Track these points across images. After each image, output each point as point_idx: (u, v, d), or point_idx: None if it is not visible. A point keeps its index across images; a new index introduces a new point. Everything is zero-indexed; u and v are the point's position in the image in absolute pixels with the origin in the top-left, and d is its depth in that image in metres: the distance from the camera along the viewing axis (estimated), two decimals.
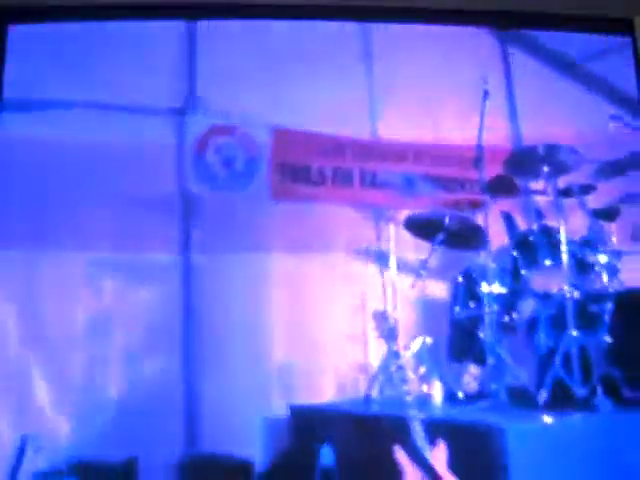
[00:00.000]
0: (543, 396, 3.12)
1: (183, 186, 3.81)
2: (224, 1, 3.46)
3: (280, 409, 3.48)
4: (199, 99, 3.88)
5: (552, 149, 3.67)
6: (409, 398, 2.70)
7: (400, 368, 2.79)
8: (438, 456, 2.65)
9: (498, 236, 3.78)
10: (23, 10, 3.00)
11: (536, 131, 4.19)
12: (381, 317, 2.88)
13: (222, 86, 3.73)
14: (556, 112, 4.18)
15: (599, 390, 3.12)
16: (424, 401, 3.05)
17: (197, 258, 3.75)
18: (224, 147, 3.91)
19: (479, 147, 3.64)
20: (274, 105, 3.83)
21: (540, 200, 3.89)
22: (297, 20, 3.67)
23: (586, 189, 3.77)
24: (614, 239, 3.70)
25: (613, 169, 3.81)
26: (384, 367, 3.33)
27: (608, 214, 3.76)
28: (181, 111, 3.85)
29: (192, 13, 3.45)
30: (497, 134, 4.12)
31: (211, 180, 3.87)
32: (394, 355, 2.81)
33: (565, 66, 4.21)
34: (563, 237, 3.46)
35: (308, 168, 3.99)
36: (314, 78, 3.82)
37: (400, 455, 2.60)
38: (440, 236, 3.57)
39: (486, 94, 3.65)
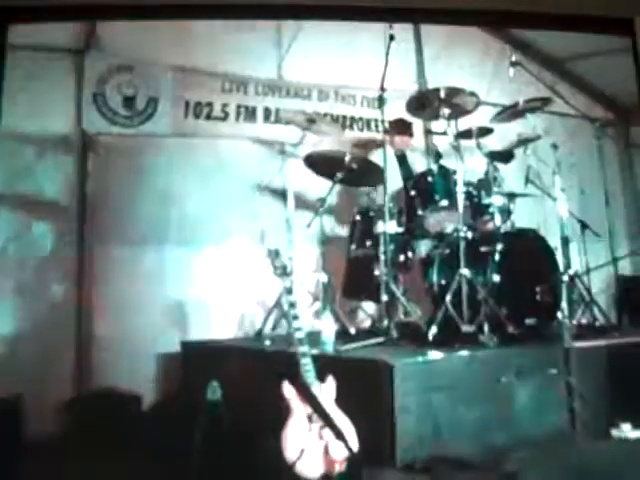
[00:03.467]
0: (433, 332, 3.21)
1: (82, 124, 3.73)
2: None
3: (172, 345, 3.49)
4: (99, 39, 3.76)
5: (452, 92, 3.71)
6: (300, 334, 2.71)
7: (293, 304, 2.78)
8: (326, 391, 2.71)
9: (398, 176, 3.83)
10: (23, 10, 2.94)
11: (440, 75, 4.25)
12: (275, 254, 2.86)
13: (122, 27, 3.61)
14: (460, 57, 4.26)
15: (485, 326, 3.22)
16: (316, 337, 3.09)
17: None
18: (124, 85, 3.81)
19: (382, 88, 3.64)
20: (176, 45, 3.75)
21: (439, 141, 3.95)
22: None
23: (484, 132, 3.83)
24: (510, 180, 3.80)
25: (512, 113, 3.89)
26: (277, 304, 3.36)
27: (504, 157, 3.84)
28: (81, 51, 3.73)
29: None
30: (402, 77, 4.15)
31: (111, 118, 3.78)
32: (288, 292, 2.81)
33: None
34: (460, 179, 3.53)
35: (211, 104, 3.94)
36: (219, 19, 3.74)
37: (288, 390, 2.64)
38: (339, 174, 3.55)
39: (391, 38, 3.64)
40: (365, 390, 2.83)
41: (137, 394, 3.38)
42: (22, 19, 2.97)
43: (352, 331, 3.40)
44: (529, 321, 3.35)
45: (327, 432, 2.56)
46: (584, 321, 3.64)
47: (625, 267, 4.08)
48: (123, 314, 3.47)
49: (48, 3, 2.95)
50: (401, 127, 3.99)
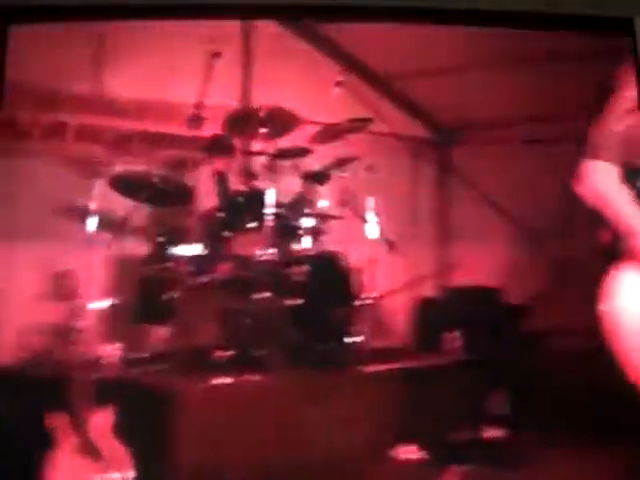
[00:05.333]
0: (225, 356, 3.19)
1: None
2: None
3: None
4: None
5: (272, 111, 3.72)
6: (85, 357, 2.66)
7: (80, 328, 2.72)
8: (103, 419, 2.65)
9: (209, 196, 3.80)
10: (23, 10, 2.86)
11: (265, 93, 4.24)
12: (62, 276, 2.80)
13: None
14: (285, 76, 4.26)
15: (279, 351, 3.23)
16: (101, 362, 3.03)
17: None
18: None
19: (199, 106, 3.61)
20: None
21: (256, 161, 3.95)
22: None
23: (302, 152, 3.86)
24: (323, 202, 3.83)
25: (332, 133, 3.92)
26: (64, 327, 3.27)
27: (319, 178, 3.87)
28: None
29: None
30: (226, 95, 4.12)
31: None
32: (75, 314, 2.74)
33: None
34: (270, 200, 3.53)
35: (13, 121, 3.77)
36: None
37: (57, 419, 2.58)
38: (145, 194, 3.50)
39: (216, 55, 3.61)
40: (148, 416, 2.80)
41: None
42: (22, 19, 2.90)
43: (141, 356, 3.36)
44: (324, 345, 3.40)
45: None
46: (380, 344, 3.70)
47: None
48: None
49: (49, 3, 2.88)
50: (220, 146, 3.97)
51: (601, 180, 2.11)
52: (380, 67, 4.47)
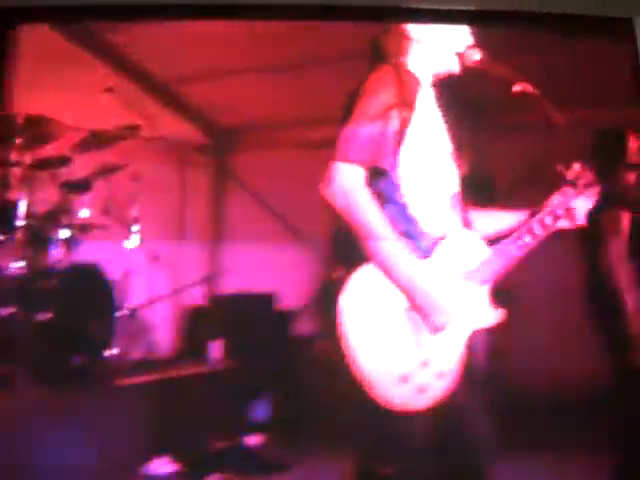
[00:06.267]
0: None
1: None
2: None
3: None
4: None
5: (32, 118, 3.57)
6: None
7: None
8: None
9: None
10: (24, 10, 2.82)
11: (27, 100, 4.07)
12: None
13: None
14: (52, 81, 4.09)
15: (25, 367, 3.10)
16: None
17: None
18: None
19: None
20: None
21: (11, 172, 3.78)
22: None
23: (62, 161, 3.73)
24: (85, 212, 3.72)
25: (99, 141, 3.81)
26: None
27: (80, 187, 3.76)
28: None
29: None
30: None
31: None
32: None
33: None
34: (22, 211, 3.39)
35: None
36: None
37: None
38: None
39: None
40: None
41: None
42: (22, 19, 2.87)
43: None
44: (79, 359, 3.30)
45: None
46: (140, 355, 3.64)
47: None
48: None
49: (49, 3, 2.82)
50: None
51: (346, 182, 2.14)
52: (156, 70, 4.41)
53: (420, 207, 2.21)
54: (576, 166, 2.34)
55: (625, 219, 3.02)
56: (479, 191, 3.33)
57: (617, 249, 3.02)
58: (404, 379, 2.13)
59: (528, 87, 2.30)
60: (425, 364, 2.15)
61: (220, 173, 4.52)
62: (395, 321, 2.14)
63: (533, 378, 3.78)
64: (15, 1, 2.86)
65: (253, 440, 3.35)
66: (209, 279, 4.09)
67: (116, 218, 3.76)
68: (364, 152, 2.14)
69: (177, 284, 3.98)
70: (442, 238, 2.21)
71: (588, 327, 3.02)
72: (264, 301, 3.90)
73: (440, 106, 2.35)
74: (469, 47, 2.33)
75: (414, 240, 2.17)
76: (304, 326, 3.87)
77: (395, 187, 2.18)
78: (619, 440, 2.91)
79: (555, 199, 2.34)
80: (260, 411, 3.46)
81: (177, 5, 2.83)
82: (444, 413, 2.16)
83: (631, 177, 3.13)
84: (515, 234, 2.28)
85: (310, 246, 4.18)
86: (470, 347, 2.22)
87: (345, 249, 2.17)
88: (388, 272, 2.13)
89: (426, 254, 2.18)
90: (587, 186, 2.34)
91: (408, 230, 2.17)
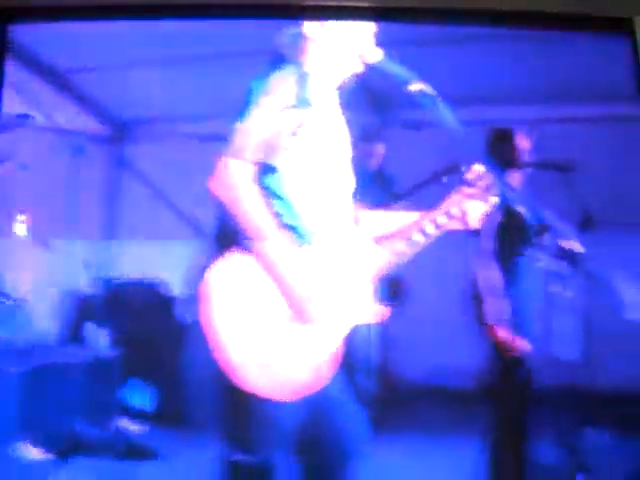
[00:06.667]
0: None
1: None
2: None
3: None
4: None
5: None
6: None
7: None
8: None
9: None
10: (23, 10, 2.79)
11: None
12: None
13: None
14: None
15: None
16: None
17: None
18: None
19: None
20: None
21: None
22: None
23: None
24: None
25: None
26: None
27: None
28: None
29: None
30: None
31: None
32: None
33: None
34: None
35: None
36: None
37: None
38: None
39: None
40: None
41: None
42: (23, 19, 2.83)
43: None
44: None
45: None
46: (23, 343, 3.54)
47: None
48: None
49: (49, 3, 2.79)
50: None
51: (233, 177, 2.14)
52: (53, 61, 4.30)
53: (308, 204, 2.23)
54: (476, 167, 2.38)
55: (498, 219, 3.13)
56: (380, 189, 3.43)
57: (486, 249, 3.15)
58: (271, 368, 2.15)
59: (424, 87, 2.37)
60: (297, 356, 2.18)
61: (115, 164, 4.42)
62: (268, 312, 2.16)
63: (418, 370, 3.92)
64: None
65: (130, 427, 3.33)
66: (96, 267, 4.01)
67: (2, 207, 3.63)
68: (255, 150, 2.16)
69: (64, 272, 3.88)
70: (328, 234, 2.24)
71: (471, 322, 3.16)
72: (150, 290, 3.87)
73: (341, 105, 2.39)
74: (370, 46, 2.37)
75: (299, 235, 2.20)
76: (188, 315, 3.85)
77: (284, 184, 2.21)
78: (492, 426, 3.07)
79: (452, 199, 2.38)
80: (138, 398, 3.44)
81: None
82: (315, 402, 2.19)
83: (517, 178, 3.28)
84: (405, 232, 2.32)
85: (200, 237, 4.17)
86: (351, 340, 2.27)
87: (228, 241, 2.17)
88: (268, 265, 2.15)
89: (310, 250, 2.21)
90: (485, 189, 2.40)
91: (293, 225, 2.20)
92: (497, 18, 2.83)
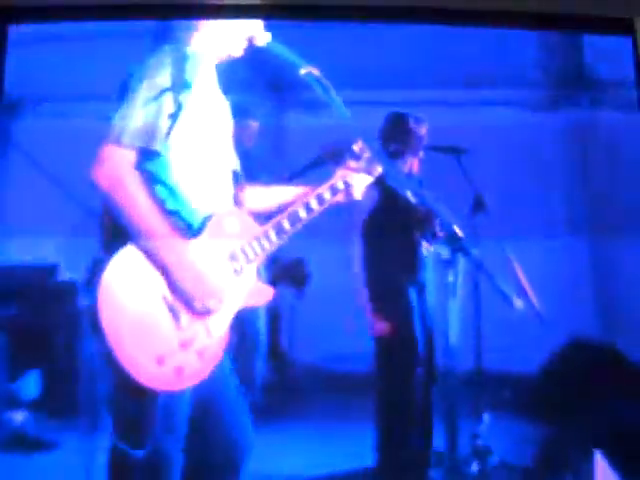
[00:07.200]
0: None
1: None
2: None
3: None
4: None
5: None
6: None
7: None
8: None
9: None
10: (23, 10, 2.86)
11: None
12: None
13: None
14: None
15: None
16: None
17: None
18: None
19: None
20: None
21: None
22: None
23: None
24: None
25: None
26: None
27: None
28: None
29: None
30: None
31: None
32: None
33: None
34: None
35: None
36: None
37: None
38: None
39: None
40: None
41: None
42: (22, 19, 2.88)
43: None
44: None
45: None
46: None
47: None
48: None
49: (49, 3, 2.83)
50: None
51: (114, 165, 2.12)
52: None
53: (192, 187, 2.23)
54: (360, 143, 2.45)
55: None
56: (271, 168, 3.41)
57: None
58: (161, 360, 2.15)
59: (314, 70, 2.37)
60: (185, 345, 2.18)
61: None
62: (155, 303, 2.15)
63: (311, 354, 3.95)
64: None
65: (17, 417, 3.25)
66: None
67: None
68: (135, 136, 2.14)
69: None
70: (212, 217, 2.24)
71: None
72: (38, 276, 3.73)
73: (224, 86, 2.37)
74: (258, 28, 2.35)
75: (183, 220, 2.20)
76: (79, 303, 3.76)
77: (166, 168, 2.19)
78: (384, 409, 3.13)
79: (337, 174, 2.43)
80: (27, 387, 3.35)
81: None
82: (203, 391, 2.21)
83: (414, 163, 3.33)
84: (290, 209, 2.35)
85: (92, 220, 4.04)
86: (239, 325, 2.28)
87: (113, 230, 2.15)
88: (153, 254, 2.15)
89: (195, 234, 2.21)
90: (369, 161, 2.45)
91: (177, 210, 2.19)
92: (497, 18, 2.87)
